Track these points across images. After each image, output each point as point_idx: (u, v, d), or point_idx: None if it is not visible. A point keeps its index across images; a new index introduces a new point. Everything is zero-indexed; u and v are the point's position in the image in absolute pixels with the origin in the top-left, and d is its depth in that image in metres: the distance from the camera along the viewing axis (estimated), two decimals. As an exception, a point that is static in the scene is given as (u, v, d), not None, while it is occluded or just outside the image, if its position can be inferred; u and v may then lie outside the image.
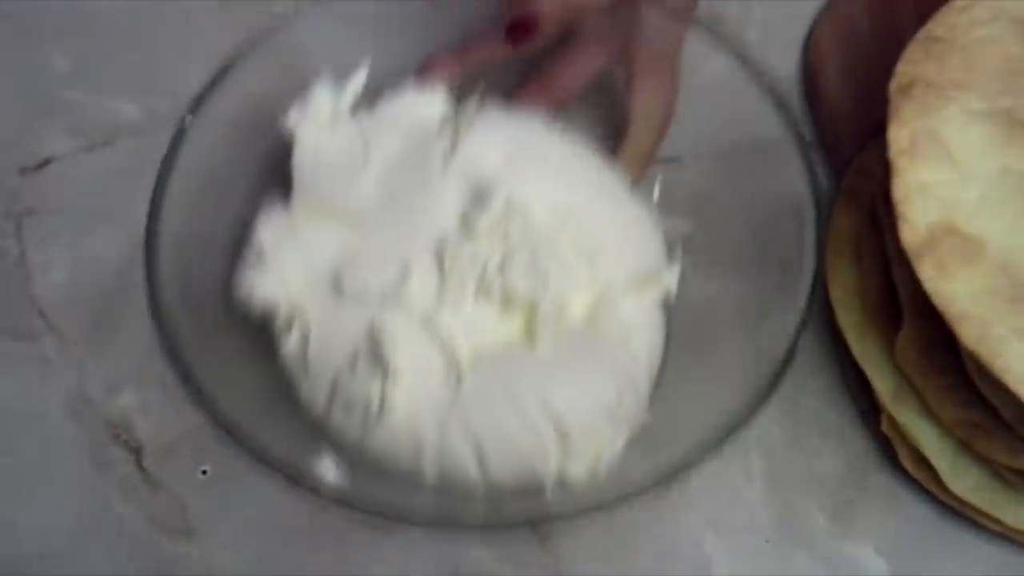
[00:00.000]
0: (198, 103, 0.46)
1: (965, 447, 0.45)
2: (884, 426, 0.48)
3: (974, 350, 0.39)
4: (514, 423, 0.42)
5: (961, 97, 0.43)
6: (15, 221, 0.54)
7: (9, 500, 0.48)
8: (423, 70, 0.49)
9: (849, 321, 0.49)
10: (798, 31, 0.61)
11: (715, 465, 0.49)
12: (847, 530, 0.48)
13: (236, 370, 0.44)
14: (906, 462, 0.47)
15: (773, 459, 0.49)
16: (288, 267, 0.44)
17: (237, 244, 0.45)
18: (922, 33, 0.45)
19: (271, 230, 0.45)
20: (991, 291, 0.39)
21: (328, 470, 0.42)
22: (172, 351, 0.41)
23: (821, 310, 0.52)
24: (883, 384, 0.47)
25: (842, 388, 0.51)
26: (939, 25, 0.45)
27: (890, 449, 0.48)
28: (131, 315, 0.50)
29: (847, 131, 0.56)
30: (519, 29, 0.45)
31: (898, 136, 0.42)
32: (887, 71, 0.44)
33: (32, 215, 0.54)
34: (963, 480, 0.46)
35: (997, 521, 0.46)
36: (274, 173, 0.47)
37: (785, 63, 0.60)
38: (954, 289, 0.39)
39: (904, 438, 0.47)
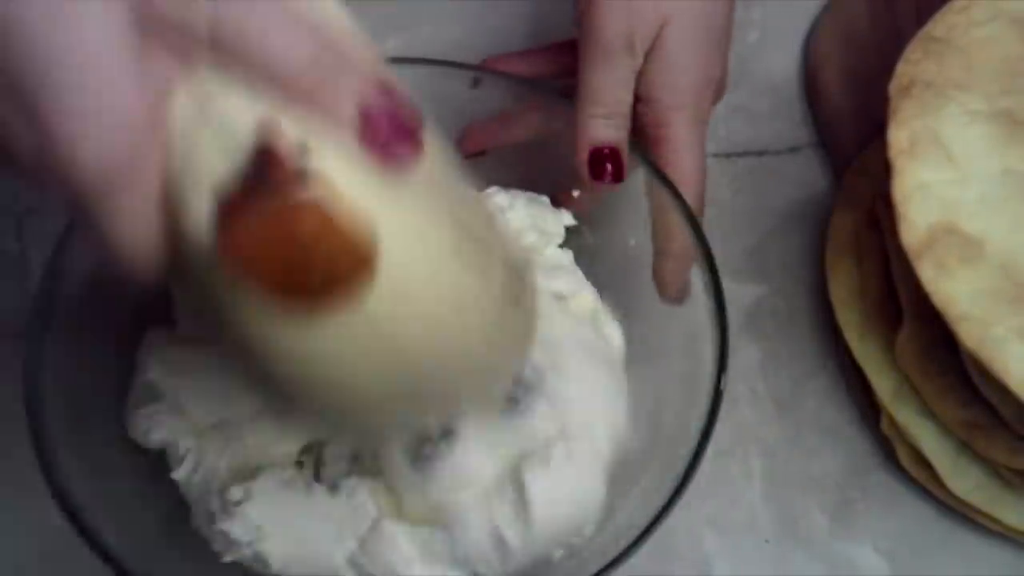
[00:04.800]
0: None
1: (965, 447, 0.45)
2: (884, 426, 0.48)
3: (974, 350, 0.38)
4: None
5: (961, 97, 0.43)
6: (15, 221, 0.54)
7: (12, 499, 0.48)
8: (464, 140, 0.49)
9: (849, 321, 0.49)
10: (798, 31, 0.61)
11: (715, 465, 0.49)
12: (847, 530, 0.48)
13: (135, 507, 0.42)
14: (906, 462, 0.47)
15: (773, 459, 0.49)
16: (185, 404, 0.42)
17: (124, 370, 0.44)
18: (922, 33, 0.45)
19: (162, 365, 0.43)
20: (991, 291, 0.39)
21: None
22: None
23: (821, 310, 0.52)
24: (883, 384, 0.47)
25: (842, 388, 0.51)
26: (939, 25, 0.45)
27: (890, 449, 0.48)
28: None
29: (847, 131, 0.56)
30: (602, 163, 0.44)
31: (898, 136, 0.42)
32: (887, 71, 0.44)
33: (32, 215, 0.54)
34: (963, 480, 0.46)
35: (997, 521, 0.46)
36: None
37: (785, 63, 0.60)
38: (954, 289, 0.39)
39: (904, 438, 0.47)
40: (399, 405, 0.33)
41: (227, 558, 0.42)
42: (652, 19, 0.44)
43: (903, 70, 0.44)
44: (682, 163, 0.45)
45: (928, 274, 0.40)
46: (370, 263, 0.27)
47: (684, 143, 0.45)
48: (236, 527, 0.40)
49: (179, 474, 0.42)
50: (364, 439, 0.42)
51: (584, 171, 0.44)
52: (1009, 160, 0.42)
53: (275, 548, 0.41)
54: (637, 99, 0.45)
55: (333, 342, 0.29)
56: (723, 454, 0.49)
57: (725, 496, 0.49)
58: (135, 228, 0.26)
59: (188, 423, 0.43)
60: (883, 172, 0.42)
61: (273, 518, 0.41)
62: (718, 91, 0.48)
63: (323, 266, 0.27)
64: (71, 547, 0.42)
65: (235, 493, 0.41)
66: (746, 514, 0.48)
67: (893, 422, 0.47)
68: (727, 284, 0.53)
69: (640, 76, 0.45)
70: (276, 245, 0.26)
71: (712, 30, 0.46)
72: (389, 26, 0.59)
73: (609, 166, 0.44)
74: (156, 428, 0.42)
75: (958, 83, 0.43)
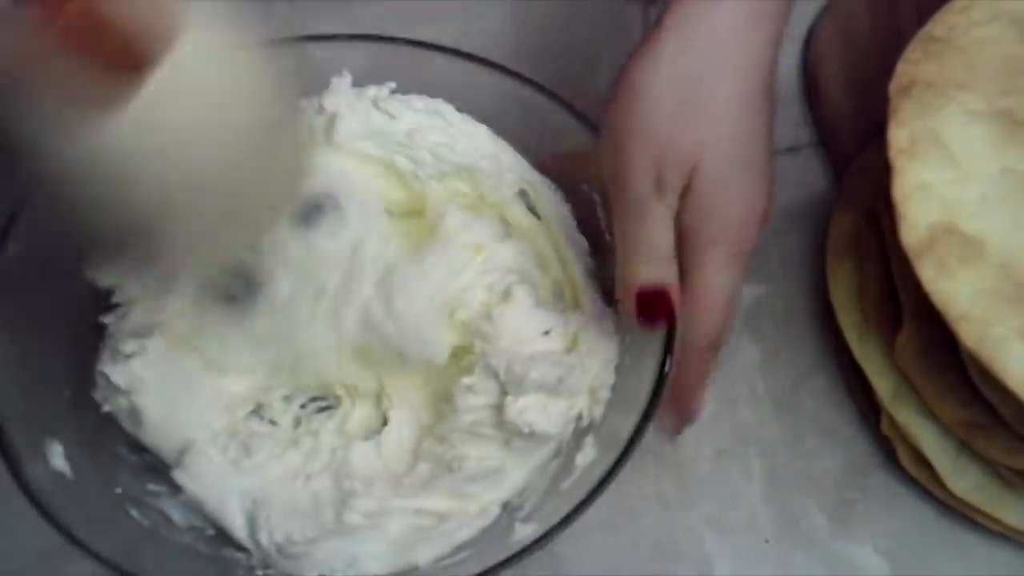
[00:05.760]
0: None
1: (965, 447, 0.45)
2: (884, 426, 0.48)
3: (974, 350, 0.38)
4: None
5: (961, 97, 0.43)
6: (15, 221, 0.54)
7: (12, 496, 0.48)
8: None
9: (849, 321, 0.49)
10: (798, 31, 0.61)
11: (715, 465, 0.49)
12: (847, 530, 0.48)
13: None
14: (906, 462, 0.47)
15: (773, 459, 0.49)
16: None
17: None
18: (922, 33, 0.45)
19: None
20: (991, 291, 0.39)
21: None
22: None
23: (821, 310, 0.52)
24: (883, 384, 0.47)
25: (842, 388, 0.51)
26: (939, 25, 0.45)
27: (890, 449, 0.48)
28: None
29: (847, 131, 0.56)
30: (650, 306, 0.41)
31: (898, 136, 0.42)
32: (887, 71, 0.44)
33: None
34: (963, 480, 0.46)
35: (997, 521, 0.46)
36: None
37: (785, 63, 0.60)
38: (954, 289, 0.39)
39: (904, 438, 0.47)
40: (207, 213, 0.36)
41: (105, 407, 0.45)
42: (683, 158, 0.40)
43: (903, 70, 0.44)
44: (704, 299, 0.42)
45: (928, 274, 0.40)
46: (147, 54, 0.31)
47: (710, 278, 0.41)
48: (120, 374, 0.44)
49: (108, 318, 0.46)
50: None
51: (633, 318, 0.42)
52: (1009, 160, 0.42)
53: (149, 404, 0.44)
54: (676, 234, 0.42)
55: (126, 139, 0.32)
56: (723, 454, 0.49)
57: (725, 496, 0.49)
58: None
59: (142, 277, 0.45)
60: (883, 172, 0.42)
61: (157, 376, 0.44)
62: (764, 217, 0.42)
63: (109, 35, 0.30)
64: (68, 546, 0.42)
65: (129, 346, 0.44)
66: (746, 514, 0.48)
67: (893, 422, 0.47)
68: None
69: (678, 213, 0.41)
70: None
71: (752, 158, 0.41)
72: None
73: (658, 309, 0.41)
74: (110, 270, 0.45)
75: (958, 83, 0.43)
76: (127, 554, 0.40)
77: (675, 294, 0.41)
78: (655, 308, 0.41)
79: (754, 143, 0.41)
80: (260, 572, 0.43)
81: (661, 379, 0.41)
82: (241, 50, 0.35)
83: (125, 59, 0.31)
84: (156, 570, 0.41)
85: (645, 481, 0.48)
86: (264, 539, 0.43)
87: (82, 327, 0.46)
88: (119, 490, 0.44)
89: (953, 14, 0.45)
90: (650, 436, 0.42)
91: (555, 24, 0.60)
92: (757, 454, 0.50)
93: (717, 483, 0.49)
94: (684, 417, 0.46)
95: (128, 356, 0.44)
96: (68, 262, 0.45)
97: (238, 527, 0.43)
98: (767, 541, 0.48)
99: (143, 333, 0.45)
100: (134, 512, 0.44)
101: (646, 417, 0.41)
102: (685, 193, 0.41)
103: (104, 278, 0.45)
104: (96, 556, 0.39)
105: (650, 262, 0.41)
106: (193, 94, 0.33)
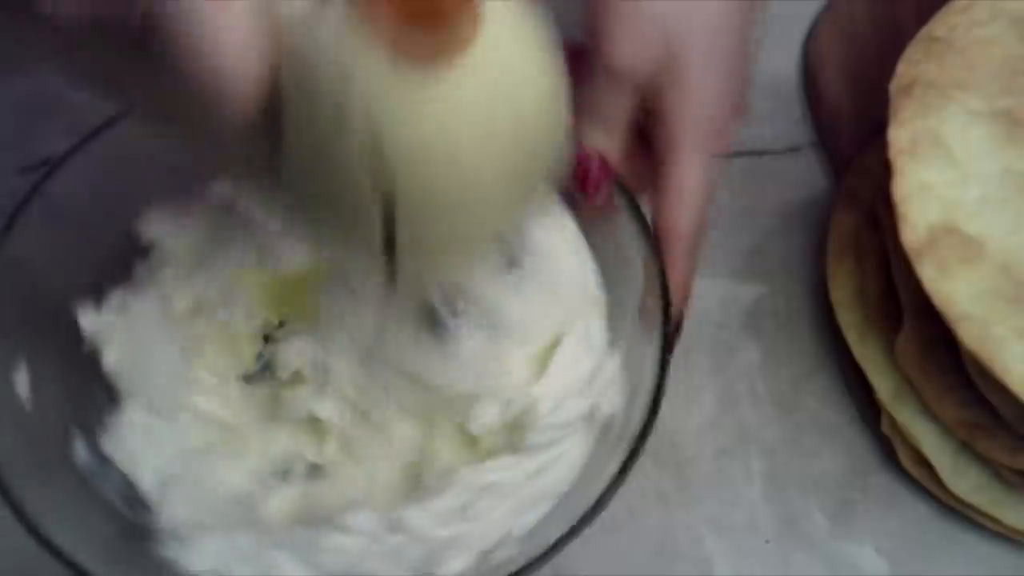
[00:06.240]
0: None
1: (965, 447, 0.45)
2: (884, 426, 0.48)
3: (974, 351, 0.39)
4: None
5: (961, 97, 0.43)
6: (15, 221, 0.54)
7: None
8: None
9: (849, 321, 0.49)
10: (798, 31, 0.61)
11: (715, 465, 0.49)
12: (847, 530, 0.48)
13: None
14: (906, 462, 0.47)
15: (773, 459, 0.49)
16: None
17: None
18: (922, 33, 0.45)
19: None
20: (991, 291, 0.39)
21: None
22: None
23: (821, 310, 0.52)
24: (883, 384, 0.47)
25: (842, 388, 0.51)
26: (939, 25, 0.45)
27: (890, 449, 0.48)
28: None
29: (847, 131, 0.56)
30: (587, 171, 0.42)
31: (898, 136, 0.42)
32: (887, 71, 0.44)
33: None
34: (963, 480, 0.46)
35: (997, 521, 0.46)
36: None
37: (785, 63, 0.60)
38: (954, 289, 0.39)
39: (904, 438, 0.47)
40: (505, 195, 0.33)
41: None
42: (663, 39, 0.41)
43: (904, 70, 0.44)
44: (683, 188, 0.43)
45: (928, 274, 0.40)
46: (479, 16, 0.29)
47: (687, 167, 0.43)
48: (90, 320, 0.43)
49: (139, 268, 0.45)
50: (449, 265, 0.40)
51: (567, 180, 0.42)
52: (1009, 160, 0.42)
53: (114, 354, 0.43)
54: (651, 117, 0.43)
55: (451, 103, 0.29)
56: (723, 454, 0.49)
57: (725, 496, 0.49)
58: (235, 23, 0.26)
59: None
60: (883, 172, 0.42)
61: (130, 332, 0.43)
62: (738, 113, 0.45)
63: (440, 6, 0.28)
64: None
65: (115, 296, 0.44)
66: (746, 514, 0.48)
67: (893, 422, 0.47)
68: (727, 284, 0.54)
69: (654, 100, 0.43)
70: None
71: (730, 52, 0.43)
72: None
73: (591, 175, 0.42)
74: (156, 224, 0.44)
75: (959, 83, 0.43)
76: (44, 513, 0.38)
77: (611, 164, 0.43)
78: (590, 174, 0.42)
79: (732, 38, 0.43)
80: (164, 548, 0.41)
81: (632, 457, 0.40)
82: (534, 35, 0.32)
83: (446, 30, 0.29)
84: (64, 524, 0.39)
85: (645, 481, 0.49)
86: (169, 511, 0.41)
87: (93, 263, 0.45)
88: (74, 427, 0.42)
89: (954, 14, 0.45)
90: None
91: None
92: (757, 454, 0.50)
93: (717, 483, 0.49)
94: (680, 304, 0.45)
95: (110, 305, 0.43)
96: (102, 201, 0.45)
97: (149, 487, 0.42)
98: (767, 541, 0.48)
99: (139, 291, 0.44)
100: (80, 454, 0.42)
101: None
102: (660, 79, 0.42)
103: (150, 233, 0.44)
104: (11, 504, 0.37)
105: (597, 127, 0.42)
106: (499, 77, 0.30)
